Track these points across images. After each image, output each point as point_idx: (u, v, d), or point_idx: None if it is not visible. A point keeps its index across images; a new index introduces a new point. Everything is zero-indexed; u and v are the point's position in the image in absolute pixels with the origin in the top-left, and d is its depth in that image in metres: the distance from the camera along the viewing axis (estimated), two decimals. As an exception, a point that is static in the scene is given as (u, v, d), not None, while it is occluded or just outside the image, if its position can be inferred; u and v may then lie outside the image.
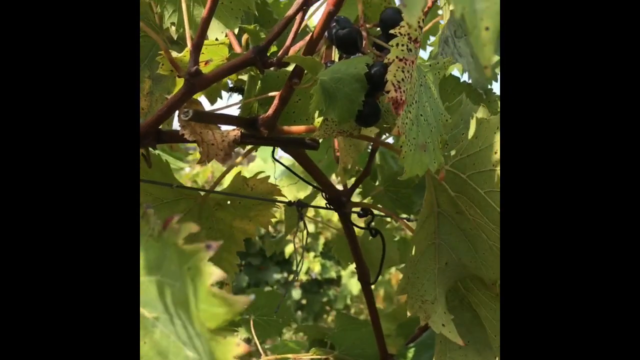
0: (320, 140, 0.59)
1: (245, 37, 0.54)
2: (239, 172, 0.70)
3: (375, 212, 0.84)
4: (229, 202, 0.72)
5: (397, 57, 0.43)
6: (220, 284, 0.83)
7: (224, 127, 0.53)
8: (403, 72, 0.43)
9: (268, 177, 0.71)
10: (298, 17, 0.46)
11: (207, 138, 0.48)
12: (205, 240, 0.76)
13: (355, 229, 0.80)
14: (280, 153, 0.76)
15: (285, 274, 3.40)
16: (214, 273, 0.27)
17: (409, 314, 0.61)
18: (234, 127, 0.51)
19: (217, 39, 0.52)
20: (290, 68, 0.49)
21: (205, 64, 0.51)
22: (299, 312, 3.56)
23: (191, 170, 3.37)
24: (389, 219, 1.10)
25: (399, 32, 0.43)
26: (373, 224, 0.85)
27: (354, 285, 3.30)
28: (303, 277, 3.42)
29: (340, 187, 0.91)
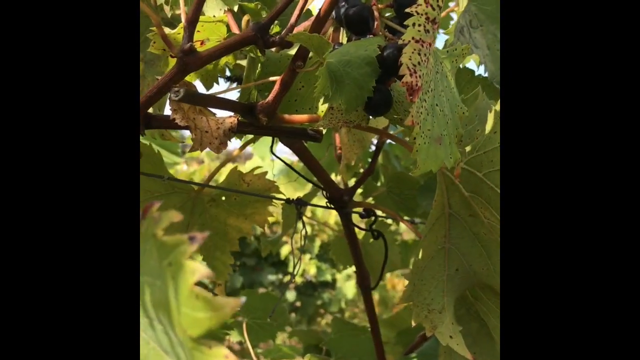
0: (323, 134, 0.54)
1: (245, 18, 0.49)
2: (235, 167, 0.66)
3: (378, 213, 0.80)
4: (223, 198, 0.68)
5: (413, 37, 0.38)
6: (213, 285, 0.78)
7: (219, 114, 0.48)
8: (419, 54, 0.39)
9: (265, 172, 0.67)
10: (304, -7, 0.42)
11: (200, 124, 0.44)
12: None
13: (355, 231, 0.76)
14: (279, 152, 0.71)
15: (281, 276, 3.35)
16: (197, 270, 0.23)
17: (413, 323, 0.57)
18: (231, 114, 0.47)
19: (214, 16, 0.47)
20: (294, 51, 0.45)
21: (202, 43, 0.47)
22: (293, 314, 3.51)
23: (188, 169, 3.33)
24: (390, 222, 1.05)
25: (416, 11, 0.39)
26: (374, 227, 0.80)
27: (349, 289, 3.26)
28: (298, 279, 3.37)
29: (341, 186, 0.87)
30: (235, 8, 0.47)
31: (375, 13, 0.44)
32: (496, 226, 0.50)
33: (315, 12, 0.45)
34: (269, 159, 1.34)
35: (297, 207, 0.67)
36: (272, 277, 3.26)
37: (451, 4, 0.85)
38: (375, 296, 3.06)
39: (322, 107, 0.48)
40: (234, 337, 0.95)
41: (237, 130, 0.46)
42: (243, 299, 0.22)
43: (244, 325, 0.93)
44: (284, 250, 2.92)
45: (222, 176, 0.70)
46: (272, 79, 0.46)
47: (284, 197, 0.69)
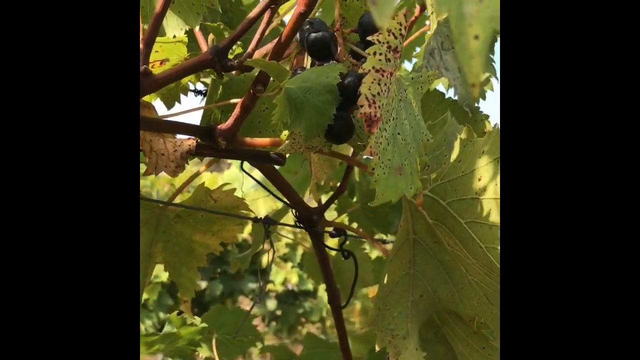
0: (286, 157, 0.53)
1: (211, 37, 0.48)
2: (202, 183, 0.65)
3: (349, 232, 0.79)
4: (190, 215, 0.67)
5: (373, 67, 0.37)
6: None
7: (179, 135, 0.47)
8: (379, 84, 0.38)
9: (234, 189, 0.65)
10: (266, 17, 0.41)
11: (157, 147, 0.43)
12: (162, 254, 0.70)
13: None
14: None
15: (261, 284, 3.33)
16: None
17: (377, 348, 0.56)
18: (190, 136, 0.45)
19: (174, 37, 0.46)
20: (257, 73, 0.44)
21: (161, 63, 0.46)
22: (274, 323, 3.48)
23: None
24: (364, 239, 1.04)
25: (377, 40, 0.38)
26: (348, 242, 0.80)
27: (330, 298, 3.24)
28: (279, 287, 3.35)
29: (314, 203, 0.86)
30: (197, 28, 0.46)
31: (339, 39, 0.43)
32: (460, 255, 0.49)
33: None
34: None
35: (265, 226, 0.66)
36: (252, 285, 3.23)
37: (427, 22, 0.84)
38: (357, 305, 3.04)
39: (286, 130, 0.47)
40: (203, 353, 0.94)
41: (196, 153, 0.44)
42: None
43: (214, 341, 0.91)
44: (265, 259, 2.89)
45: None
46: (233, 101, 0.45)
47: (252, 216, 0.67)
